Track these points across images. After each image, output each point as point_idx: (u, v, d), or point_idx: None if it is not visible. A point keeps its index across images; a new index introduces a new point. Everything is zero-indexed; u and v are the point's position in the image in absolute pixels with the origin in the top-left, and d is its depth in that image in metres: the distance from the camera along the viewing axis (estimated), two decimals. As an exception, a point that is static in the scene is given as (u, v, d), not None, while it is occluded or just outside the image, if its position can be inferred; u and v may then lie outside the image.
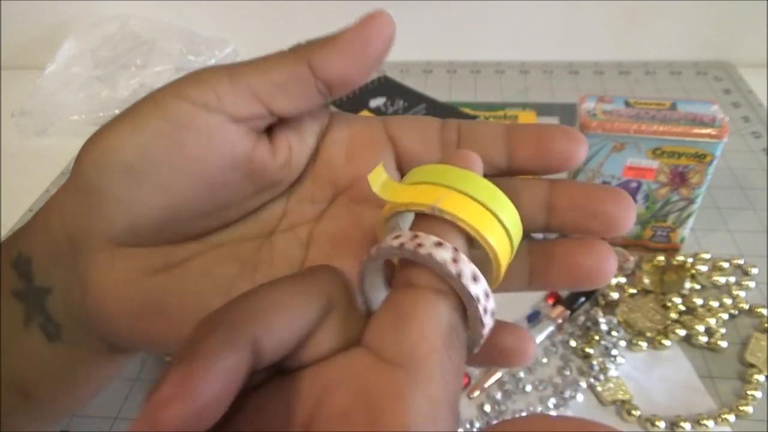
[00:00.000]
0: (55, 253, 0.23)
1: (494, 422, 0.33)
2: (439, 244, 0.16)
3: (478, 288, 0.16)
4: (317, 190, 0.24)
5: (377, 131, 0.24)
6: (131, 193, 0.21)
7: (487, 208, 0.17)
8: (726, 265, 0.40)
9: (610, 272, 0.20)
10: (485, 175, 0.19)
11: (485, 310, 0.17)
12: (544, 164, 0.21)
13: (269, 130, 0.23)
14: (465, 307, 0.17)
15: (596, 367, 0.35)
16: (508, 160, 0.22)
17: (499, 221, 0.17)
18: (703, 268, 0.40)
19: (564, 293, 0.39)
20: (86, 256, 0.22)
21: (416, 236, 0.17)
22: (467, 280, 0.16)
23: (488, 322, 0.17)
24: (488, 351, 0.21)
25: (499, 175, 0.22)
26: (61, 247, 0.22)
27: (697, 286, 0.39)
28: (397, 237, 0.17)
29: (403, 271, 0.18)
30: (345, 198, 0.24)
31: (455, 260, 0.16)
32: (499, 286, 0.20)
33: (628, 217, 0.20)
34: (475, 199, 0.17)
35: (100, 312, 0.22)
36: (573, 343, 0.37)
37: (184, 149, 0.21)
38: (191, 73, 0.21)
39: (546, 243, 0.21)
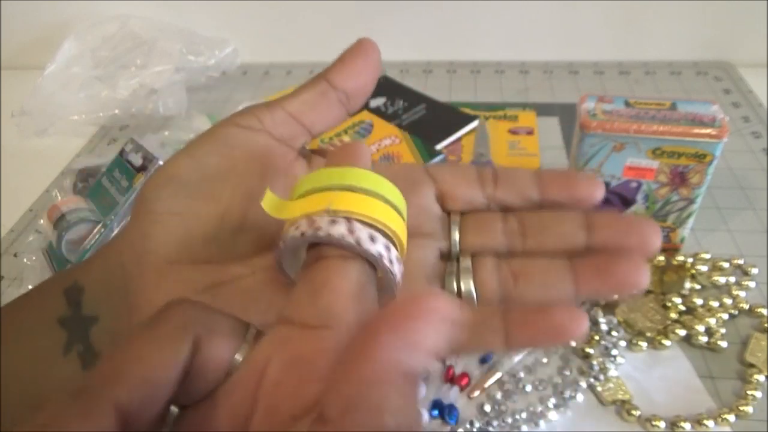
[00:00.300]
0: (108, 283, 0.24)
1: (495, 423, 0.33)
2: (333, 222, 0.19)
3: (378, 246, 0.19)
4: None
5: (417, 170, 0.27)
6: (186, 205, 0.23)
7: (372, 194, 0.20)
8: (726, 265, 0.40)
9: (645, 281, 0.22)
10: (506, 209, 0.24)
11: (390, 261, 0.19)
12: (571, 199, 0.25)
13: (307, 160, 0.26)
14: (374, 265, 0.20)
15: (596, 367, 0.35)
16: (540, 195, 0.25)
17: (385, 201, 0.20)
18: (703, 268, 0.40)
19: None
20: (137, 280, 0.23)
21: (312, 221, 0.19)
22: (366, 243, 0.18)
23: (397, 270, 0.20)
24: (544, 329, 0.22)
25: (531, 208, 0.25)
26: (114, 277, 0.24)
27: (697, 286, 0.39)
28: (297, 227, 0.19)
29: (312, 249, 0.20)
30: None
31: (351, 230, 0.18)
32: (546, 296, 0.23)
33: (657, 240, 0.23)
34: (358, 190, 0.20)
35: None
36: (573, 343, 0.37)
37: (233, 162, 0.24)
38: (238, 110, 0.26)
39: (588, 258, 0.23)
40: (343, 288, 0.18)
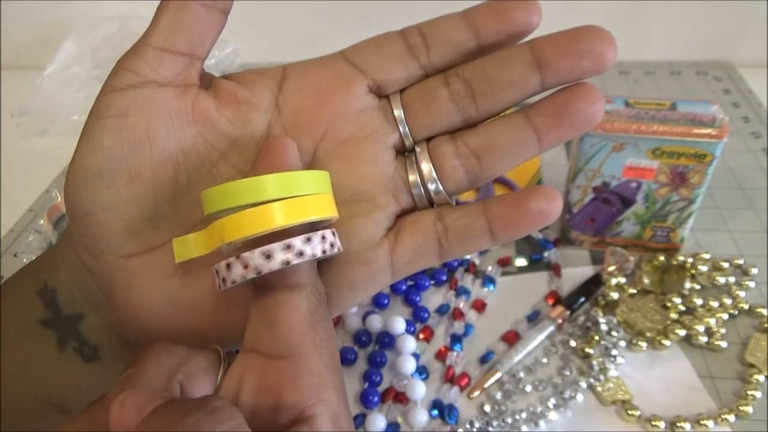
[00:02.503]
0: (78, 283, 0.23)
1: (495, 423, 0.33)
2: (228, 267, 0.19)
3: (289, 253, 0.19)
4: (296, 143, 0.24)
5: (340, 66, 0.24)
6: (111, 196, 0.22)
7: (276, 200, 0.19)
8: (726, 265, 0.40)
9: (601, 114, 0.22)
10: (453, 65, 0.23)
11: (312, 254, 0.19)
12: (509, 34, 0.23)
13: (214, 91, 0.24)
14: (321, 282, 0.21)
15: (596, 367, 0.35)
16: (476, 41, 0.23)
17: (288, 197, 0.19)
18: (703, 268, 0.40)
19: (564, 293, 0.39)
20: (106, 278, 0.23)
21: (217, 271, 0.19)
22: (276, 263, 0.18)
23: (324, 249, 0.20)
24: (525, 221, 0.22)
25: (471, 57, 0.23)
26: (82, 277, 0.23)
27: (697, 286, 0.39)
28: (218, 272, 0.19)
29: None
30: (329, 142, 0.23)
31: (246, 265, 0.19)
32: (514, 165, 0.23)
33: (612, 50, 0.21)
34: (264, 202, 0.19)
35: (136, 324, 0.23)
36: (573, 343, 0.37)
37: (134, 132, 0.22)
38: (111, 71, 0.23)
39: (541, 104, 0.22)
40: (294, 320, 0.19)
